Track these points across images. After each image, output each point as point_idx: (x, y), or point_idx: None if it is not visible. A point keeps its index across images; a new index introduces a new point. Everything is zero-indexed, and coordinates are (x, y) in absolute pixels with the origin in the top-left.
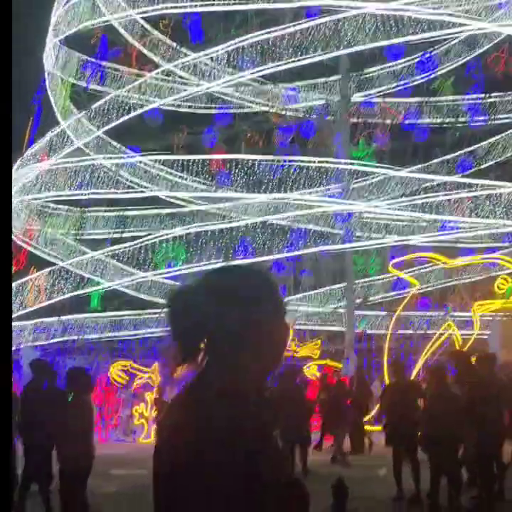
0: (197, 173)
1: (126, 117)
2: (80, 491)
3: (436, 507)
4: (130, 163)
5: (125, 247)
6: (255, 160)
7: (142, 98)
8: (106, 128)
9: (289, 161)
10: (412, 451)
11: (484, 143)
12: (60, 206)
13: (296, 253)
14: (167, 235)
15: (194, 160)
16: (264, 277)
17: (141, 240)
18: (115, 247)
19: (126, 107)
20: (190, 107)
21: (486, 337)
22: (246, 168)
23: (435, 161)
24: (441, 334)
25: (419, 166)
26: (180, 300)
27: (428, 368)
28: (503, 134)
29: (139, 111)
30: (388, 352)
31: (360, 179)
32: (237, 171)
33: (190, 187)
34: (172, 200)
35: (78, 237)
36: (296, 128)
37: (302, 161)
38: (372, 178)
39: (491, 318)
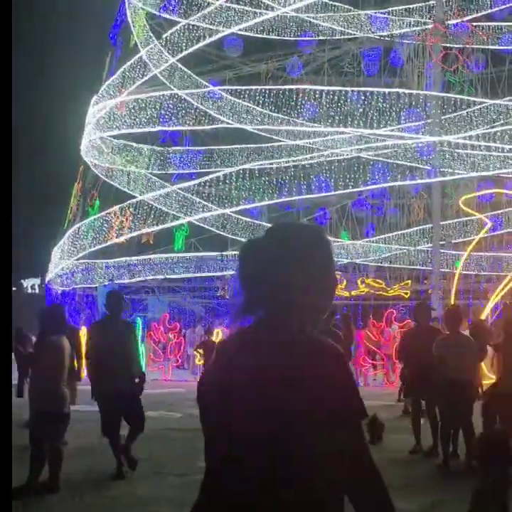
0: (283, 104)
1: (201, 44)
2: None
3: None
4: (214, 96)
5: (202, 183)
6: (341, 91)
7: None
8: (180, 55)
9: (379, 92)
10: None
11: None
12: (141, 146)
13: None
14: (242, 170)
15: (280, 91)
16: (318, 234)
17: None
18: (184, 184)
19: (202, 35)
20: (273, 34)
21: None
22: (333, 100)
23: None
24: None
25: None
26: (248, 252)
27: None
28: None
29: (214, 37)
30: (456, 294)
31: (453, 110)
32: (323, 102)
33: (275, 119)
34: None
35: (161, 173)
36: (380, 55)
37: (390, 93)
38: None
39: None
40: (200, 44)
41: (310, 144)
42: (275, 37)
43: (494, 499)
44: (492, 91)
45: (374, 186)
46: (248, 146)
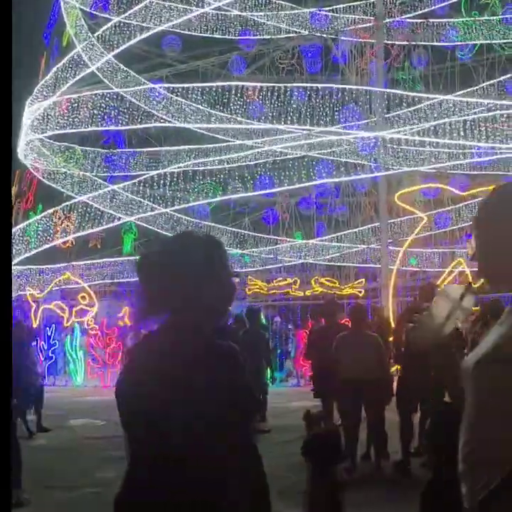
0: (227, 103)
1: (132, 41)
2: None
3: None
4: (157, 95)
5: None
6: (281, 88)
7: (148, 22)
8: (114, 53)
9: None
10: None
11: None
12: (84, 148)
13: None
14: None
15: (225, 90)
16: (213, 244)
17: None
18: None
19: (133, 32)
20: (217, 32)
21: None
22: (278, 97)
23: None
24: (452, 271)
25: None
26: (146, 264)
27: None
28: None
29: (146, 34)
30: (394, 289)
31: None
32: (269, 100)
33: (221, 119)
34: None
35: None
36: (321, 53)
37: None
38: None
39: None
40: (132, 41)
41: (258, 143)
42: (211, 35)
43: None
44: (435, 87)
45: (317, 182)
46: (196, 146)
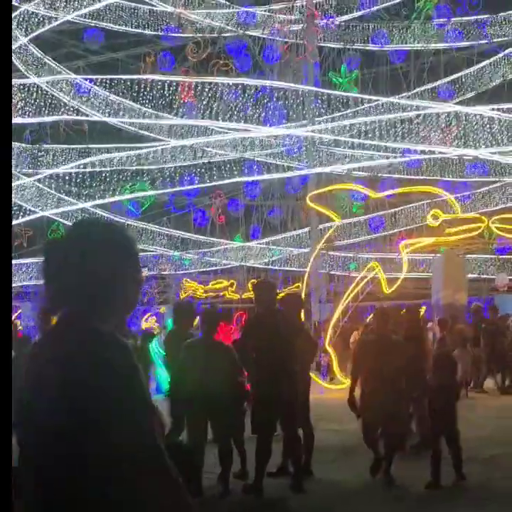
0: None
1: (40, 31)
2: None
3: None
4: (83, 91)
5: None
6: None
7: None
8: (22, 41)
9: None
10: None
11: (470, 70)
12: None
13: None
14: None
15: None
16: (117, 232)
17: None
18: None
19: (41, 21)
20: (132, 25)
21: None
22: (209, 95)
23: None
24: (365, 276)
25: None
26: (49, 250)
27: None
28: (491, 60)
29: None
30: (306, 295)
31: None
32: (201, 98)
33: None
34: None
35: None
36: (249, 52)
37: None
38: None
39: (432, 256)
40: (39, 31)
41: (195, 145)
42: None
43: None
44: (366, 91)
45: (243, 178)
46: (128, 145)
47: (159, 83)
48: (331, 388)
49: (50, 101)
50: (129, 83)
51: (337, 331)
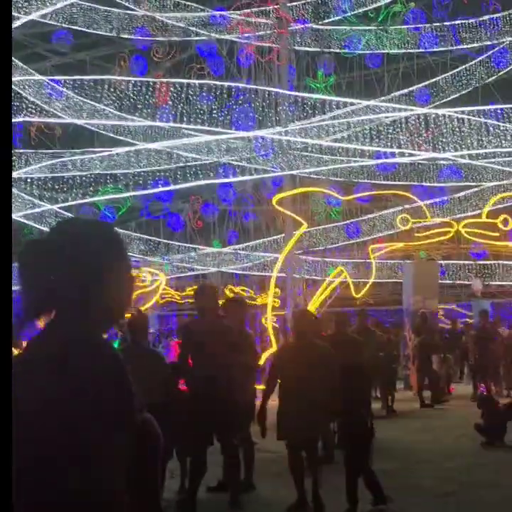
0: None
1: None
2: None
3: None
4: (57, 94)
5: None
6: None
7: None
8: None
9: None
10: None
11: (445, 75)
12: None
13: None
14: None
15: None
16: (107, 230)
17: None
18: None
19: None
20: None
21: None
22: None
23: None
24: (331, 281)
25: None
26: (29, 255)
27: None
28: (467, 65)
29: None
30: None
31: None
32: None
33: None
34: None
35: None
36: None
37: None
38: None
39: (402, 262)
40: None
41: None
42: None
43: None
44: (343, 95)
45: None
46: (101, 149)
47: (133, 86)
48: None
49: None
50: (101, 86)
51: None
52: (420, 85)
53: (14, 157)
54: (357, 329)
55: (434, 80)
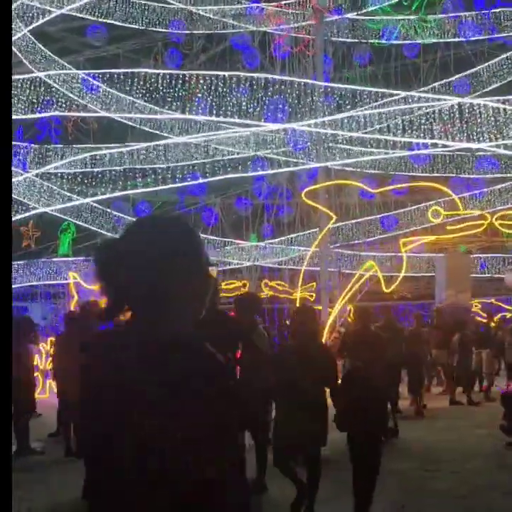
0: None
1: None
2: None
3: None
4: (91, 87)
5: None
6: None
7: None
8: (20, 35)
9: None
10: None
11: (485, 64)
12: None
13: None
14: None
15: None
16: (186, 229)
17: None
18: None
19: (35, 15)
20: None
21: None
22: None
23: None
24: (362, 275)
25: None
26: (105, 256)
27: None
28: (509, 54)
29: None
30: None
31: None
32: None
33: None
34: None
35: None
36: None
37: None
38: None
39: (436, 255)
40: (34, 25)
41: (204, 142)
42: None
43: None
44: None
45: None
46: (134, 144)
47: (167, 79)
48: None
49: (45, 96)
50: (137, 79)
51: (333, 333)
52: (460, 75)
53: (50, 152)
54: (383, 325)
55: (474, 69)
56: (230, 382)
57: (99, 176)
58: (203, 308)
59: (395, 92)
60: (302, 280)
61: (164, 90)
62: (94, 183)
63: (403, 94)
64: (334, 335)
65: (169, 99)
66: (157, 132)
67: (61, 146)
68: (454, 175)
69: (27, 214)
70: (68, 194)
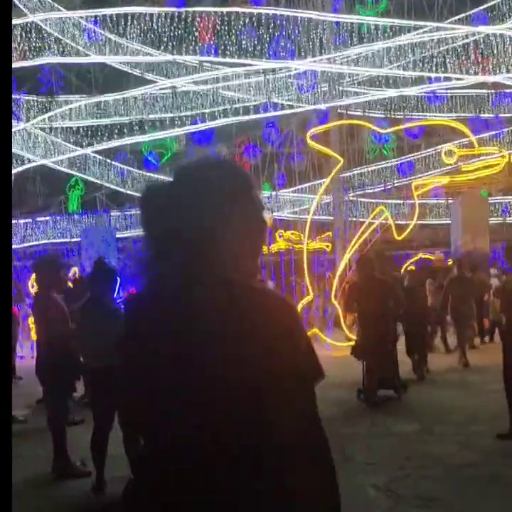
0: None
1: None
2: None
3: None
4: (96, 37)
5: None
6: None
7: None
8: None
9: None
10: None
11: None
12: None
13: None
14: None
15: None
16: (241, 172)
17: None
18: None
19: None
20: None
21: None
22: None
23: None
24: (372, 223)
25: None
26: (152, 199)
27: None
28: None
29: None
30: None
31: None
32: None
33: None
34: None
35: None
36: None
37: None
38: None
39: (451, 201)
40: None
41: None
42: None
43: None
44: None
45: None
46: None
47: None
48: (338, 345)
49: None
50: (138, 24)
51: (343, 283)
52: (478, 9)
53: (55, 104)
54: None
55: (492, 2)
56: (297, 320)
57: (108, 128)
58: (259, 251)
59: (407, 22)
60: (316, 230)
61: (165, 31)
62: (100, 135)
63: (430, 24)
64: (344, 285)
65: (163, 39)
66: (164, 79)
67: (64, 97)
68: (472, 114)
69: (31, 164)
70: (73, 146)
